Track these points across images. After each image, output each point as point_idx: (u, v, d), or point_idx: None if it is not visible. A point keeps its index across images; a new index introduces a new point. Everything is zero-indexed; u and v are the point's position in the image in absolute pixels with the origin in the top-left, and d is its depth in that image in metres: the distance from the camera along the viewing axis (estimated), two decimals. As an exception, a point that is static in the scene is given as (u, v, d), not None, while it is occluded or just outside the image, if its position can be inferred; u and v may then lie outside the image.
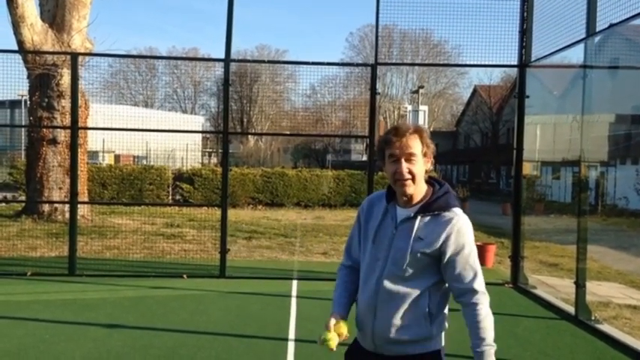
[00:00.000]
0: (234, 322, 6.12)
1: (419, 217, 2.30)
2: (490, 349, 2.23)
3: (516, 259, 8.28)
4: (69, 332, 5.60)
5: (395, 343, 2.30)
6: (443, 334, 2.38)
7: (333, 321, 2.34)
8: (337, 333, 2.32)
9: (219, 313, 6.44)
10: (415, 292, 2.28)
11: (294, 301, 7.05)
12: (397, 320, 2.28)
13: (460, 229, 2.27)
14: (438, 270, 2.31)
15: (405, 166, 2.27)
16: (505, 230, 12.49)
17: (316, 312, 6.46)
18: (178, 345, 5.29)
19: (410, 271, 2.27)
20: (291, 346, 5.34)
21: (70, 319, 6.06)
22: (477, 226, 16.31)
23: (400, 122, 2.58)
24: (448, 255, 2.26)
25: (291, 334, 5.69)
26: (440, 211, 2.30)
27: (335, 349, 2.33)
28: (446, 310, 2.38)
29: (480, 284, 2.29)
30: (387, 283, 2.29)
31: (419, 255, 2.26)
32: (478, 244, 10.35)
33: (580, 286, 6.43)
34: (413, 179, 2.28)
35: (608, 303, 7.47)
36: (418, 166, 2.29)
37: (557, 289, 8.25)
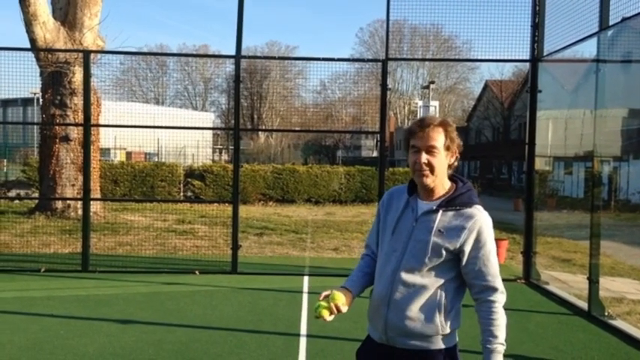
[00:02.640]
0: (246, 317, 6.15)
1: (441, 211, 2.30)
2: (501, 348, 2.25)
3: (528, 254, 8.25)
4: (83, 328, 5.65)
5: (407, 335, 2.30)
6: (456, 331, 2.37)
7: (325, 292, 2.35)
8: (332, 304, 2.30)
9: (231, 309, 6.48)
10: (431, 286, 2.28)
11: (305, 296, 7.06)
12: (411, 312, 2.28)
13: (482, 227, 2.28)
14: (454, 265, 2.30)
15: (424, 157, 2.27)
16: (517, 226, 12.44)
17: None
18: (191, 340, 5.33)
19: (428, 263, 2.27)
20: (302, 342, 5.35)
21: (83, 314, 6.11)
22: (489, 222, 16.24)
23: (428, 115, 2.56)
24: (469, 251, 2.27)
25: (303, 330, 5.71)
26: (462, 206, 2.30)
27: (328, 318, 2.31)
28: (459, 307, 2.37)
29: (499, 282, 2.30)
30: (404, 275, 2.29)
31: (438, 248, 2.26)
32: (490, 239, 10.34)
33: (593, 282, 6.40)
34: (431, 171, 2.28)
35: (622, 299, 7.42)
36: (439, 158, 2.28)
37: (569, 284, 8.20)
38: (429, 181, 2.30)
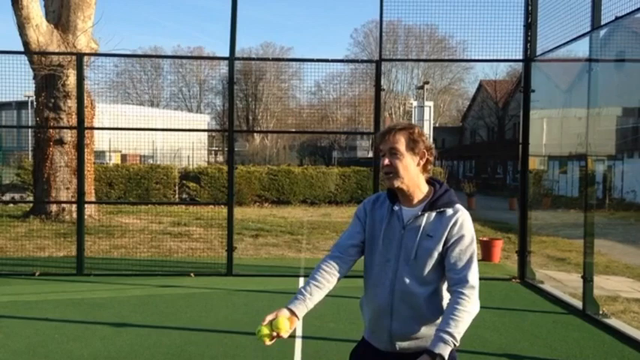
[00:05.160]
0: (242, 319, 6.13)
1: (426, 215, 2.33)
2: (450, 341, 2.16)
3: (523, 254, 8.26)
4: (77, 331, 5.63)
5: (415, 340, 2.33)
6: None
7: (270, 317, 2.34)
8: (275, 329, 2.31)
9: (226, 311, 6.46)
10: (428, 289, 2.31)
11: (301, 298, 7.06)
12: (415, 318, 2.31)
13: (462, 222, 2.32)
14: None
15: (387, 160, 2.34)
16: (512, 225, 12.46)
17: (323, 309, 6.45)
18: (186, 343, 5.32)
19: (422, 268, 2.30)
20: (298, 343, 5.34)
21: (78, 318, 6.09)
22: (484, 222, 16.33)
23: (395, 122, 2.57)
24: (450, 246, 2.29)
25: (299, 331, 5.69)
26: (444, 207, 2.34)
27: (268, 343, 2.34)
28: None
29: (472, 277, 2.26)
30: (401, 283, 2.32)
31: (430, 252, 2.29)
32: (485, 239, 10.34)
33: (587, 281, 6.40)
34: (396, 173, 2.32)
35: (616, 297, 7.44)
36: (402, 161, 2.32)
37: (564, 283, 8.22)
38: (397, 183, 2.33)
